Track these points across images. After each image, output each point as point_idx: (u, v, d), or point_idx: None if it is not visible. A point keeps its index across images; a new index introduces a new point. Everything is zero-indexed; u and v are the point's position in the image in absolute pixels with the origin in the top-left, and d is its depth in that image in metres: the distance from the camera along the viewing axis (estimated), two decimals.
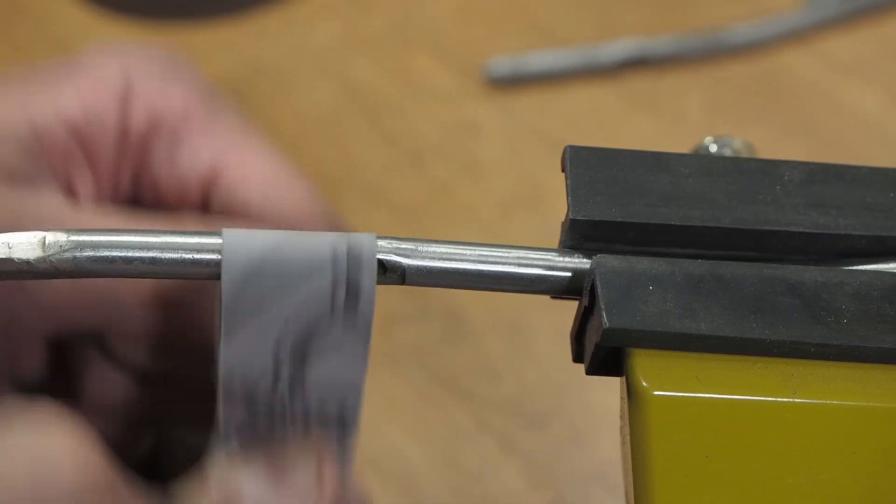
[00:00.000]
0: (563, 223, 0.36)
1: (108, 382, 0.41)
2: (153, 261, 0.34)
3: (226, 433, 0.36)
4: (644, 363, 0.33)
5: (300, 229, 0.36)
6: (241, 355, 0.35)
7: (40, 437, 0.30)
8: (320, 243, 0.34)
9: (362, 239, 0.35)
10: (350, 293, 0.35)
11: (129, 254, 0.34)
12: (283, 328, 0.35)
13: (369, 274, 0.35)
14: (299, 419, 0.36)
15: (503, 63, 0.76)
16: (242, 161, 0.42)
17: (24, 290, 0.38)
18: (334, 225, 0.42)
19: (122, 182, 0.43)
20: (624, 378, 0.33)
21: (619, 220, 0.35)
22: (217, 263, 0.34)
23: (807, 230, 0.35)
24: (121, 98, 0.42)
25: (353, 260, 0.34)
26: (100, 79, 0.42)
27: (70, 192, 0.42)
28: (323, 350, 0.35)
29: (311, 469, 0.36)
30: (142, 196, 0.43)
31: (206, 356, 0.39)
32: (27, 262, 0.34)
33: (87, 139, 0.42)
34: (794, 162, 0.37)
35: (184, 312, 0.40)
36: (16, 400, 0.31)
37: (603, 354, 0.34)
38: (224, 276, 0.34)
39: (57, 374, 0.42)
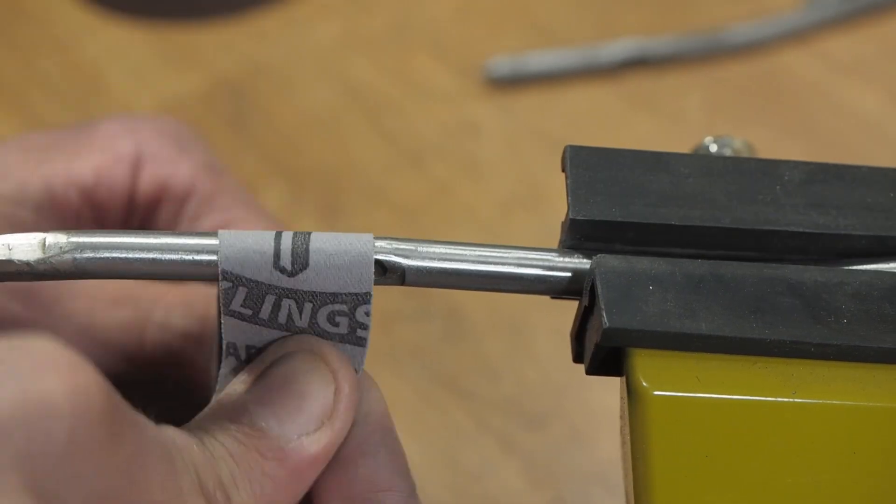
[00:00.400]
0: (563, 223, 0.36)
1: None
2: (153, 262, 0.34)
3: (230, 349, 0.36)
4: (644, 363, 0.33)
5: None
6: (237, 252, 0.35)
7: (33, 374, 0.29)
8: None
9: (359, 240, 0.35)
10: None
11: (129, 255, 0.34)
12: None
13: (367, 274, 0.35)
14: (307, 319, 0.36)
15: (503, 63, 0.76)
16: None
17: None
18: None
19: None
20: (624, 378, 0.33)
21: (619, 219, 0.35)
22: (215, 264, 0.34)
23: (807, 230, 0.35)
24: (132, 166, 0.45)
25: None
26: (113, 147, 0.45)
27: None
28: (322, 240, 0.35)
29: (329, 392, 0.35)
30: None
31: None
32: (27, 263, 0.34)
33: (97, 202, 0.45)
34: (794, 162, 0.37)
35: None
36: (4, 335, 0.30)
37: (603, 354, 0.34)
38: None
39: None
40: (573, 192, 0.36)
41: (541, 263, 0.36)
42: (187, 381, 0.44)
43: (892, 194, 0.37)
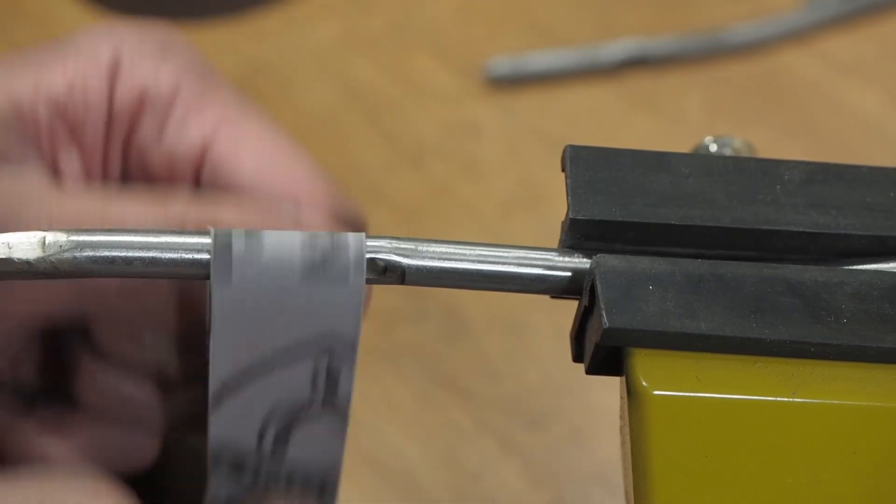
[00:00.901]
0: (563, 223, 0.36)
1: (102, 384, 0.41)
2: (153, 261, 0.34)
3: (214, 496, 0.37)
4: (644, 363, 0.33)
5: (298, 208, 0.35)
6: (227, 426, 0.35)
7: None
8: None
9: (348, 329, 0.35)
10: (330, 380, 0.35)
11: (129, 254, 0.34)
12: (269, 404, 0.36)
13: (349, 369, 0.35)
14: (283, 483, 0.37)
15: (503, 63, 0.75)
16: (235, 135, 0.41)
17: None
18: (341, 206, 0.41)
19: (111, 160, 0.42)
20: (624, 378, 0.33)
21: (619, 219, 0.35)
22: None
23: (807, 230, 0.35)
24: (108, 75, 0.41)
25: (338, 353, 0.35)
26: (87, 57, 0.41)
27: (56, 170, 0.41)
28: (304, 424, 0.36)
29: None
30: (132, 173, 0.43)
31: (197, 351, 0.38)
32: (27, 262, 0.34)
33: (71, 117, 0.41)
34: (794, 162, 0.37)
35: (168, 306, 0.39)
36: (69, 468, 0.31)
37: (603, 354, 0.34)
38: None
39: (53, 379, 0.41)
40: (573, 191, 0.36)
41: (541, 263, 0.36)
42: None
43: (892, 194, 0.37)
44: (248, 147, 0.41)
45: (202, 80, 0.42)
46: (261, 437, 0.36)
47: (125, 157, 0.42)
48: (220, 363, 0.35)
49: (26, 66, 0.41)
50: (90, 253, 0.34)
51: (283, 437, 0.36)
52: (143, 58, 0.42)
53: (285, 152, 0.41)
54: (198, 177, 0.42)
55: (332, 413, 0.36)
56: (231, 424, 0.35)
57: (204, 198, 0.40)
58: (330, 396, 0.35)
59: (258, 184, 0.41)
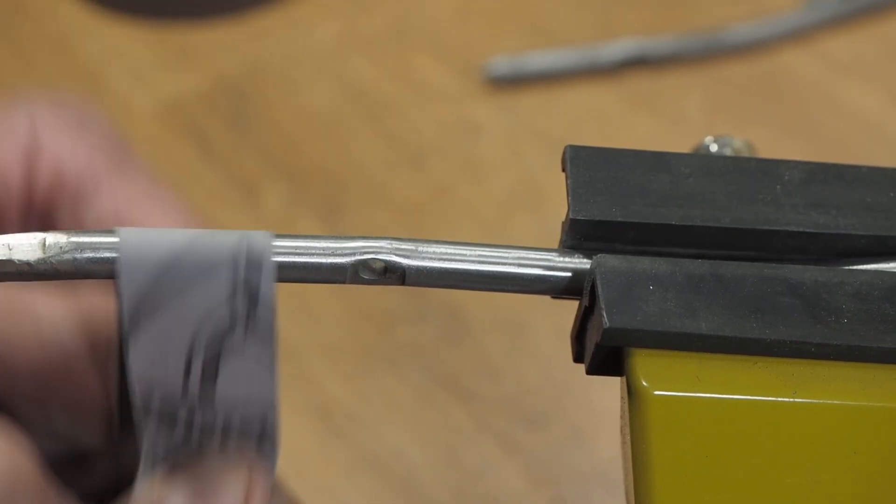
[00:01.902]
0: (563, 223, 0.36)
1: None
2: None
3: (148, 454, 0.36)
4: (644, 363, 0.33)
5: None
6: (149, 363, 0.34)
7: None
8: (221, 243, 0.34)
9: (259, 238, 0.34)
10: (250, 297, 0.34)
11: None
12: (189, 332, 0.34)
13: (268, 277, 0.34)
14: (219, 433, 0.36)
15: (503, 63, 0.76)
16: (147, 217, 0.41)
17: None
18: None
19: None
20: (624, 378, 0.33)
21: (619, 219, 0.35)
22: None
23: (807, 230, 0.35)
24: (27, 156, 0.41)
25: (252, 262, 0.34)
26: (6, 136, 0.40)
27: None
28: (230, 357, 0.35)
29: (240, 488, 0.35)
30: None
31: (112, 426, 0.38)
32: (27, 263, 0.34)
33: None
34: (794, 162, 0.37)
35: (83, 387, 0.39)
36: None
37: (603, 354, 0.34)
38: (123, 277, 0.33)
39: None
40: (573, 191, 0.36)
41: (541, 263, 0.36)
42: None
43: (892, 194, 0.37)
44: (157, 224, 0.41)
45: (116, 159, 0.41)
46: (187, 372, 0.35)
47: None
48: (130, 277, 0.34)
49: None
50: (91, 254, 0.34)
51: (210, 373, 0.35)
52: (60, 134, 0.41)
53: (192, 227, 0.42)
54: None
55: (258, 341, 0.35)
56: (152, 356, 0.34)
57: None
58: (252, 315, 0.34)
59: None
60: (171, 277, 0.34)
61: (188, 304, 0.34)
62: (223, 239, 0.34)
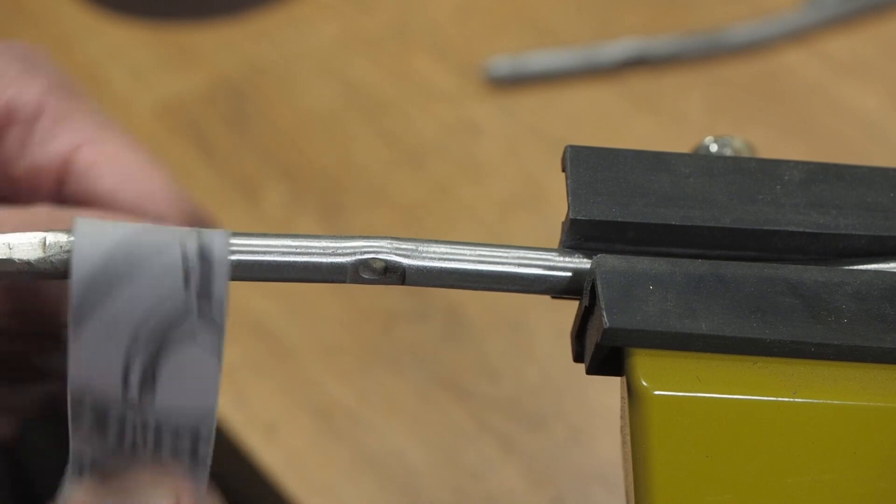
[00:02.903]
0: (563, 223, 0.36)
1: None
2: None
3: (76, 458, 0.36)
4: (644, 363, 0.33)
5: (156, 219, 0.35)
6: (89, 357, 0.34)
7: None
8: (171, 234, 0.34)
9: (214, 237, 0.34)
10: (202, 296, 0.34)
11: None
12: (132, 329, 0.34)
13: (221, 277, 0.34)
14: (151, 445, 0.36)
15: (503, 63, 0.76)
16: (96, 150, 0.43)
17: None
18: (193, 215, 0.43)
19: None
20: (624, 378, 0.33)
21: (619, 219, 0.35)
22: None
23: (807, 230, 0.35)
24: None
25: (205, 260, 0.34)
26: None
27: None
28: (174, 351, 0.34)
29: (169, 501, 0.35)
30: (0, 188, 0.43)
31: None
32: (28, 262, 0.34)
33: None
34: (794, 162, 0.37)
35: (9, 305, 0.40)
36: None
37: (603, 354, 0.34)
38: (74, 275, 0.33)
39: None
40: (573, 192, 0.36)
41: (541, 263, 0.36)
42: None
43: (892, 194, 0.37)
44: (109, 161, 0.43)
45: (66, 95, 0.43)
46: (125, 378, 0.34)
47: None
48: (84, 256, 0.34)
49: None
50: None
51: (149, 377, 0.34)
52: (9, 73, 0.43)
53: (142, 163, 0.43)
54: (60, 190, 0.43)
55: (209, 328, 0.34)
56: (91, 357, 0.34)
57: (67, 212, 0.40)
58: (205, 296, 0.34)
59: (118, 196, 0.42)
60: (119, 264, 0.33)
61: (134, 293, 0.34)
62: (173, 231, 0.34)
